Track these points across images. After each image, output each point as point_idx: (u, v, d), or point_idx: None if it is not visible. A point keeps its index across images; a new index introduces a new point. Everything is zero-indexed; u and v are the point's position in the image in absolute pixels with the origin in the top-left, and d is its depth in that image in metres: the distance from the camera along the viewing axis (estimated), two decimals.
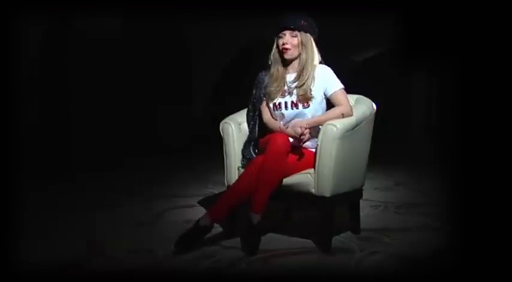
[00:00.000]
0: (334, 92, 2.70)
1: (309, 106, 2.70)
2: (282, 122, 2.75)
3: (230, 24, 7.24)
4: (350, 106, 2.69)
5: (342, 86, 2.72)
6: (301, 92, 2.70)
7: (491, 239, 1.97)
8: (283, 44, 2.72)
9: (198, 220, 2.56)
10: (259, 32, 6.79)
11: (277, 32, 2.75)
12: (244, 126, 2.96)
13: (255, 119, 2.90)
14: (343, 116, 2.61)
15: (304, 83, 2.69)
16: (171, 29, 7.49)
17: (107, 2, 5.59)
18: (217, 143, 2.96)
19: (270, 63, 2.81)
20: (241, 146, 2.88)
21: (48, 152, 5.82)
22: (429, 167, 5.57)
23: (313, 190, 2.56)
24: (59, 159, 5.86)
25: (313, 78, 2.71)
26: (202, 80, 8.32)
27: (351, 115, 2.63)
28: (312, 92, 2.69)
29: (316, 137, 2.58)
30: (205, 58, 8.07)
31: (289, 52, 2.73)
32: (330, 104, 2.75)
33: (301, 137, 2.56)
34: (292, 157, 2.61)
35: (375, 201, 3.77)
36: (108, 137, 6.70)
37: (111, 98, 6.87)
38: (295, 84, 2.73)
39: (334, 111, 2.66)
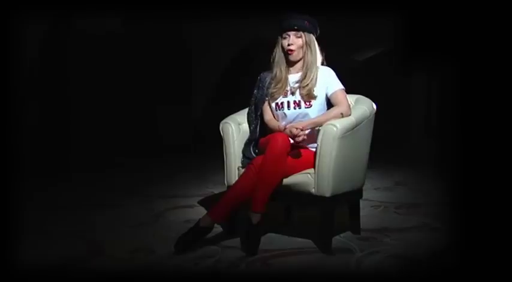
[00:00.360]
0: (334, 92, 2.70)
1: (311, 106, 2.70)
2: (284, 123, 2.75)
3: (230, 24, 7.24)
4: (349, 106, 2.69)
5: (342, 86, 2.73)
6: (305, 92, 2.69)
7: (491, 239, 1.97)
8: (289, 45, 2.71)
9: (199, 220, 2.56)
10: (259, 32, 6.81)
11: (280, 33, 2.74)
12: (244, 126, 2.96)
13: (256, 120, 2.89)
14: (342, 115, 2.61)
15: (308, 83, 2.69)
16: (171, 29, 7.49)
17: (107, 2, 5.59)
18: (217, 143, 2.96)
19: (272, 62, 2.81)
20: (241, 146, 2.88)
21: (48, 152, 5.83)
22: (429, 167, 5.57)
23: (313, 190, 2.56)
24: (59, 159, 5.86)
25: (316, 78, 2.71)
26: (202, 80, 8.32)
27: (350, 115, 2.63)
28: (315, 92, 2.69)
29: (316, 138, 2.58)
30: (205, 58, 8.08)
31: (294, 53, 2.72)
32: (330, 104, 2.75)
33: (296, 138, 2.55)
34: (292, 157, 2.60)
35: (374, 201, 3.77)
36: (108, 137, 6.70)
37: (111, 98, 6.88)
38: (299, 84, 2.73)
39: (333, 111, 2.65)
